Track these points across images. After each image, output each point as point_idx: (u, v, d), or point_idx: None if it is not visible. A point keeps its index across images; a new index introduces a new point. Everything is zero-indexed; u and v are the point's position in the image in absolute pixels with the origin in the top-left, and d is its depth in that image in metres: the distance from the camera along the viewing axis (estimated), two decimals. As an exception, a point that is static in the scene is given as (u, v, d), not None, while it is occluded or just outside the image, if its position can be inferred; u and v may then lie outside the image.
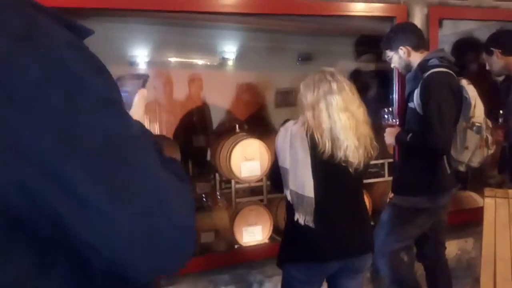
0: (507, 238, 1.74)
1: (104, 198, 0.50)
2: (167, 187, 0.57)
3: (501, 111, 2.58)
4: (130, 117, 0.59)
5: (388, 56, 2.32)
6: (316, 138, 1.64)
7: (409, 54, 2.23)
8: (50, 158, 0.48)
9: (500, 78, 2.74)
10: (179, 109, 3.26)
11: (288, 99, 3.25)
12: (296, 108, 1.80)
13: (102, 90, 0.53)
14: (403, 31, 2.26)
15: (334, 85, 1.67)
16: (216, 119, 3.18)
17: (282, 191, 1.83)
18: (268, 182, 2.74)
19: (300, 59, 3.55)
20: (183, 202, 0.59)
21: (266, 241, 2.74)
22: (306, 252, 1.72)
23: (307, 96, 1.69)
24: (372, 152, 1.74)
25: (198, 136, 3.19)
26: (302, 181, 1.68)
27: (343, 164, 1.66)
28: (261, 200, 2.86)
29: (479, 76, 2.30)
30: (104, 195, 0.50)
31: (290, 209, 1.75)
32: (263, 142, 2.70)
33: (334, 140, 1.64)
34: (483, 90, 2.15)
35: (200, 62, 3.13)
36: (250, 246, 2.68)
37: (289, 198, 1.73)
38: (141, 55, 3.22)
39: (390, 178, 3.02)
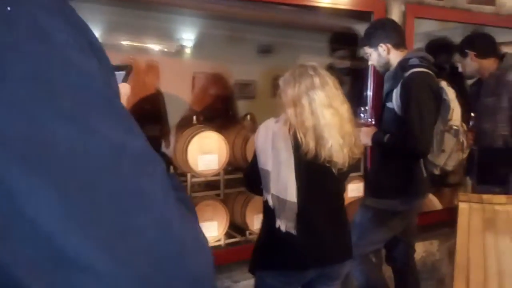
0: (480, 244, 1.76)
1: (97, 254, 0.35)
2: (184, 230, 0.41)
3: (472, 114, 2.60)
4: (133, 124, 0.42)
5: (367, 53, 2.26)
6: (299, 138, 1.54)
7: (388, 52, 2.18)
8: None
9: (470, 81, 2.81)
10: (131, 96, 3.06)
11: (248, 91, 3.16)
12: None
13: (94, 80, 0.39)
14: (384, 28, 2.20)
15: (317, 80, 1.57)
16: (172, 108, 3.01)
17: (259, 194, 1.72)
18: (226, 176, 2.64)
19: (260, 51, 3.47)
20: (200, 247, 0.43)
21: (222, 237, 2.65)
22: (285, 260, 1.62)
23: (287, 92, 1.59)
24: (356, 152, 1.67)
25: (151, 126, 3.01)
26: (284, 185, 1.57)
27: (327, 165, 1.58)
28: (218, 195, 2.76)
29: (450, 78, 2.32)
30: (96, 249, 0.35)
31: (269, 214, 1.64)
32: (222, 135, 2.59)
33: (318, 138, 1.55)
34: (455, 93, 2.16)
35: (156, 48, 2.94)
36: (216, 250, 2.56)
37: (270, 203, 1.62)
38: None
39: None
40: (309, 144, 1.54)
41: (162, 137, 2.85)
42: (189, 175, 2.60)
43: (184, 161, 2.51)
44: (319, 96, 1.56)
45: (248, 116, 2.93)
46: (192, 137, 2.52)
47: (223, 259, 2.43)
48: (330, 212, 1.69)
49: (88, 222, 0.35)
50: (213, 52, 3.11)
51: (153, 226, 0.38)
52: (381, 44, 2.18)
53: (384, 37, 2.17)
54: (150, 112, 3.00)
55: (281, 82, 1.66)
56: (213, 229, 2.64)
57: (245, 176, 1.95)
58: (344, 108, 1.63)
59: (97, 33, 2.98)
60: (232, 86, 3.24)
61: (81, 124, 0.36)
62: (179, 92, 3.05)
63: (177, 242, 0.40)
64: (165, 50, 2.97)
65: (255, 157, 1.68)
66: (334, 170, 1.61)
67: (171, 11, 2.83)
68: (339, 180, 1.69)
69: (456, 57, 2.66)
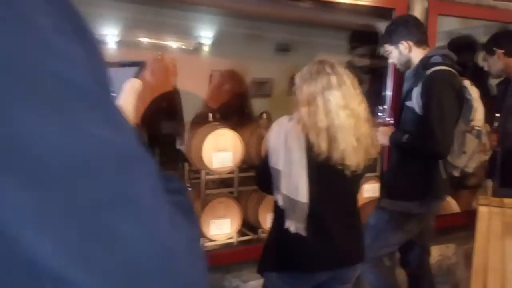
0: (499, 249, 1.71)
1: (70, 263, 0.31)
2: (173, 237, 0.37)
3: (496, 114, 2.53)
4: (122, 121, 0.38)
5: (387, 51, 2.20)
6: (311, 138, 1.51)
7: (410, 50, 2.11)
8: None
9: (496, 81, 2.73)
10: (148, 93, 3.09)
11: (264, 89, 3.15)
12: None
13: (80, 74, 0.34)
14: (406, 25, 2.14)
15: (334, 79, 1.52)
16: (188, 106, 3.03)
17: (270, 193, 1.69)
18: (240, 174, 2.64)
19: (278, 49, 3.45)
20: (192, 255, 0.39)
21: (235, 234, 2.66)
22: (295, 261, 1.60)
23: (303, 90, 1.55)
24: (373, 152, 1.63)
25: (167, 123, 3.03)
26: (295, 185, 1.54)
27: (339, 167, 1.54)
28: (231, 193, 2.76)
29: (473, 78, 2.25)
30: (70, 258, 0.31)
31: (279, 213, 1.62)
32: (237, 132, 2.60)
33: (331, 140, 1.50)
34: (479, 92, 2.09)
35: (174, 45, 2.97)
36: (225, 249, 2.57)
37: (280, 203, 1.59)
38: (110, 34, 3.02)
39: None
40: (321, 145, 1.50)
41: (177, 134, 2.87)
42: (203, 172, 2.62)
43: (199, 158, 2.53)
44: (335, 97, 1.51)
45: (264, 115, 2.92)
46: (207, 134, 2.53)
47: (234, 257, 2.42)
48: (343, 214, 1.66)
49: (62, 228, 0.31)
50: (231, 50, 3.12)
51: (136, 234, 0.34)
52: (403, 41, 2.11)
53: (406, 34, 2.11)
54: (166, 109, 3.02)
55: (297, 78, 1.61)
56: (226, 226, 2.65)
57: (256, 174, 1.94)
58: (361, 108, 1.58)
59: (116, 30, 3.04)
60: (249, 84, 3.24)
61: (59, 119, 0.32)
62: (196, 90, 3.06)
63: (164, 251, 0.35)
64: (183, 47, 2.99)
65: (267, 155, 1.66)
66: (347, 172, 1.57)
67: (189, 8, 2.85)
68: (353, 182, 1.65)
69: (483, 55, 2.57)
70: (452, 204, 2.99)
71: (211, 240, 2.61)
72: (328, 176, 1.57)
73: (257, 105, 3.29)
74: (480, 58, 3.20)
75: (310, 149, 1.53)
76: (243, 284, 2.26)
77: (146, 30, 2.95)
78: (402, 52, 2.14)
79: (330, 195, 1.62)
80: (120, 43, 3.03)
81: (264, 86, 3.23)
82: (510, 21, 2.89)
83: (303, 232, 1.55)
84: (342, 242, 1.64)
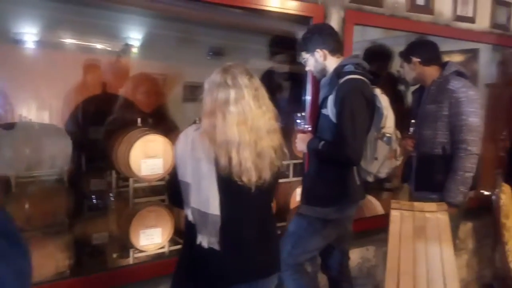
0: (411, 251, 1.79)
1: None
2: None
3: (412, 121, 2.63)
4: None
5: (304, 59, 2.24)
6: (213, 150, 1.46)
7: (325, 58, 2.16)
8: None
9: (413, 88, 2.84)
10: (73, 97, 2.92)
11: (197, 94, 3.10)
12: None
13: None
14: (320, 33, 2.18)
15: (233, 94, 1.46)
16: (117, 110, 2.90)
17: (181, 207, 1.60)
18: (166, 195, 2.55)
19: (211, 53, 3.41)
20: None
21: (166, 244, 2.58)
22: (208, 275, 1.54)
23: (206, 101, 1.50)
24: (279, 164, 1.60)
25: (94, 128, 2.88)
26: (206, 197, 1.47)
27: (239, 182, 1.48)
28: (162, 200, 2.68)
29: (386, 85, 2.34)
30: None
31: (189, 230, 1.55)
32: (168, 138, 2.52)
33: (229, 156, 1.45)
34: (391, 100, 2.17)
35: (99, 46, 2.82)
36: (141, 263, 2.46)
37: (190, 217, 1.52)
38: (29, 33, 2.81)
39: (295, 179, 3.05)
40: (223, 160, 1.45)
41: (105, 140, 2.73)
42: (131, 180, 2.51)
43: (127, 165, 2.42)
44: (231, 114, 1.45)
45: (197, 120, 2.87)
46: (136, 140, 2.43)
47: (166, 268, 2.34)
48: (256, 225, 1.60)
49: None
50: (162, 53, 3.03)
51: None
52: (318, 50, 2.16)
53: (321, 42, 2.16)
54: (93, 114, 2.87)
55: (205, 84, 1.53)
56: (157, 236, 2.56)
57: (167, 189, 1.83)
58: (265, 120, 1.52)
59: (35, 29, 2.83)
60: (182, 88, 3.17)
61: None
62: (125, 93, 2.94)
63: None
64: (109, 49, 2.85)
65: (175, 167, 1.57)
66: (249, 186, 1.49)
67: (116, 8, 2.73)
68: (263, 193, 1.56)
69: (400, 63, 2.68)
70: (376, 206, 3.13)
71: (141, 251, 2.52)
72: (233, 189, 1.49)
73: (191, 109, 3.23)
74: (394, 67, 3.39)
75: (216, 160, 1.47)
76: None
77: (69, 30, 2.78)
78: (318, 60, 2.19)
79: (241, 207, 1.56)
80: (40, 43, 2.83)
81: (197, 90, 3.16)
82: (421, 32, 3.07)
83: (216, 246, 1.49)
84: (256, 253, 1.59)
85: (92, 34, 2.74)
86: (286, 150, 1.64)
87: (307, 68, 2.28)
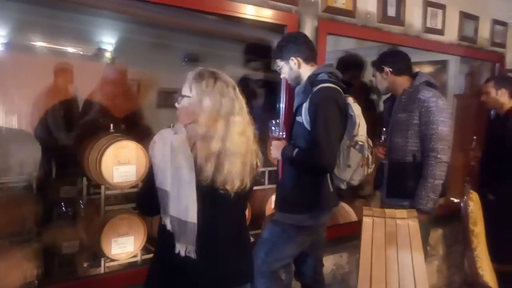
0: (382, 257, 1.81)
1: None
2: None
3: (384, 129, 2.67)
4: None
5: (279, 66, 2.26)
6: (199, 160, 1.42)
7: (299, 66, 2.19)
8: None
9: (384, 97, 2.90)
10: (43, 101, 2.84)
11: (171, 100, 3.07)
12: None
13: None
14: (295, 41, 2.21)
15: (237, 104, 1.47)
16: (88, 115, 2.84)
17: (151, 215, 1.57)
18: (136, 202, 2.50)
19: (186, 59, 3.40)
20: None
21: (138, 252, 2.53)
22: (183, 285, 1.51)
23: (204, 104, 1.43)
24: (258, 168, 1.60)
25: (64, 133, 2.81)
26: (185, 205, 1.42)
27: (221, 190, 1.47)
28: (135, 208, 2.62)
29: (359, 94, 2.38)
30: None
31: (164, 239, 1.50)
32: (141, 144, 2.48)
33: (218, 165, 1.43)
34: (363, 108, 2.21)
35: (71, 50, 2.76)
36: (112, 272, 2.41)
37: (169, 226, 1.46)
38: (-4, 34, 2.72)
39: (270, 186, 3.05)
40: (208, 169, 1.42)
41: (76, 146, 2.66)
42: (103, 187, 2.46)
43: (98, 172, 2.36)
44: (235, 124, 1.45)
45: (172, 125, 2.84)
46: (108, 146, 2.38)
47: (139, 277, 2.29)
48: (231, 232, 1.59)
49: None
50: (136, 58, 2.99)
51: None
52: (292, 58, 2.18)
53: (296, 50, 2.19)
54: (63, 118, 2.80)
55: (194, 89, 1.46)
56: (129, 244, 2.50)
57: (137, 196, 1.72)
58: (250, 131, 1.54)
59: (6, 31, 2.75)
60: (156, 94, 3.14)
61: None
62: (96, 98, 2.88)
63: None
64: (81, 53, 2.80)
65: (150, 173, 1.49)
66: (230, 193, 1.48)
67: (89, 12, 2.68)
68: (240, 200, 1.56)
69: (373, 72, 2.74)
70: (350, 213, 3.16)
71: (113, 260, 2.46)
72: (211, 196, 1.47)
73: (165, 116, 3.19)
74: (367, 76, 3.47)
75: (197, 168, 1.43)
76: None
77: (40, 33, 2.70)
78: (292, 68, 2.21)
79: (218, 214, 1.54)
80: (9, 46, 2.74)
81: (172, 97, 3.14)
82: (392, 43, 3.16)
83: (193, 255, 1.46)
84: (231, 261, 1.58)
85: (64, 37, 2.68)
86: (261, 155, 1.63)
87: (282, 76, 2.30)
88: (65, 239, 2.53)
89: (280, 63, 2.25)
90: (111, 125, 2.63)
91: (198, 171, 1.43)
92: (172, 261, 1.49)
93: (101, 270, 2.44)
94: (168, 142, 1.43)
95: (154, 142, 1.47)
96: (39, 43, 2.77)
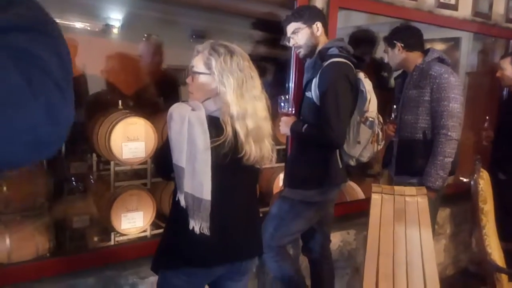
0: (390, 234, 1.81)
1: None
2: None
3: (394, 106, 2.64)
4: None
5: (295, 30, 2.15)
6: (222, 124, 1.45)
7: (321, 34, 2.14)
8: None
9: (396, 74, 2.85)
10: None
11: (179, 77, 3.05)
12: (187, 88, 1.59)
13: None
14: (315, 8, 2.16)
15: (255, 78, 1.55)
16: (97, 91, 2.83)
17: (170, 180, 1.61)
18: (153, 165, 2.53)
19: (194, 36, 3.35)
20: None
21: (148, 228, 2.56)
22: (191, 258, 1.53)
23: (229, 81, 1.47)
24: (272, 147, 1.63)
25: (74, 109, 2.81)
26: (200, 182, 1.44)
27: (240, 162, 1.51)
28: (145, 184, 2.65)
29: (370, 70, 2.34)
30: None
31: (178, 214, 1.51)
32: (150, 121, 2.48)
33: (240, 134, 1.48)
34: (374, 85, 2.17)
35: (78, 25, 2.74)
36: (122, 244, 2.44)
37: (182, 203, 1.48)
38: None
39: (277, 165, 3.05)
40: (228, 139, 1.45)
41: (85, 122, 2.67)
42: (112, 163, 2.48)
43: (107, 148, 2.38)
44: (253, 87, 1.52)
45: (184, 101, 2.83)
46: (117, 122, 2.39)
47: (149, 249, 2.33)
48: (242, 207, 1.62)
49: None
50: (143, 34, 2.96)
51: None
52: (317, 22, 2.13)
53: (321, 17, 2.14)
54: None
55: (213, 62, 1.48)
56: (139, 220, 2.54)
57: (155, 163, 1.81)
58: (268, 104, 1.61)
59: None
60: (164, 71, 3.11)
61: None
62: (104, 75, 2.87)
63: None
64: (89, 29, 2.77)
65: (166, 145, 1.51)
66: (247, 163, 1.53)
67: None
68: (252, 173, 1.61)
69: (384, 47, 2.69)
70: (358, 192, 3.16)
71: (123, 235, 2.49)
72: (230, 168, 1.51)
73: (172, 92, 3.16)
74: (378, 53, 3.40)
75: (215, 141, 1.45)
76: (140, 280, 2.16)
77: (46, 8, 2.67)
78: (314, 34, 2.14)
79: (231, 188, 1.57)
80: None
81: (180, 74, 3.12)
82: (404, 18, 3.08)
83: (206, 231, 1.48)
84: (241, 235, 1.61)
85: (71, 12, 2.66)
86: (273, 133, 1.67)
87: (292, 43, 2.20)
88: (76, 213, 2.57)
89: (300, 26, 2.14)
90: (120, 101, 2.63)
91: (218, 137, 1.44)
92: (185, 236, 1.51)
93: (111, 243, 2.48)
94: (185, 118, 1.42)
95: (171, 116, 1.46)
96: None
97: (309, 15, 2.14)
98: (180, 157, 1.44)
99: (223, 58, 1.49)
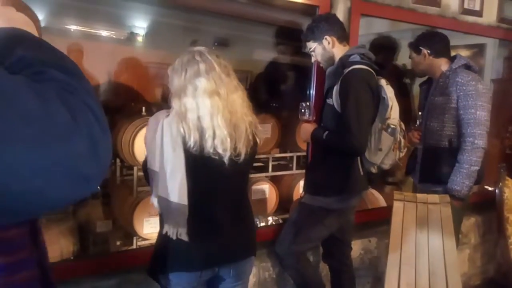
0: (413, 242, 1.78)
1: None
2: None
3: (419, 113, 2.61)
4: None
5: (310, 48, 2.21)
6: (183, 130, 1.42)
7: (333, 45, 2.14)
8: None
9: (420, 81, 2.81)
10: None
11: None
12: None
13: None
14: (327, 21, 2.16)
15: (203, 66, 1.46)
16: (121, 98, 2.90)
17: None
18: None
19: (216, 43, 3.40)
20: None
21: (169, 233, 2.58)
22: (182, 262, 1.52)
23: (174, 82, 1.48)
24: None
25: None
26: (172, 186, 1.43)
27: (214, 157, 1.46)
28: (166, 189, 2.68)
29: (391, 77, 2.32)
30: None
31: (160, 219, 1.53)
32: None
33: (201, 129, 1.44)
34: (395, 91, 2.16)
35: (104, 34, 2.81)
36: (144, 248, 2.47)
37: (156, 206, 1.49)
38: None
39: (298, 172, 3.05)
40: (192, 136, 1.42)
41: (109, 128, 2.72)
42: (135, 168, 2.52)
43: (131, 153, 2.42)
44: (202, 83, 1.44)
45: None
46: (140, 129, 2.44)
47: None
48: (228, 208, 1.57)
49: None
50: (167, 42, 3.02)
51: None
52: (326, 37, 2.14)
53: (329, 29, 2.14)
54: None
55: (169, 71, 1.52)
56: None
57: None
58: (237, 95, 1.52)
59: (41, 16, 2.82)
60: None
61: None
62: (128, 82, 2.93)
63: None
64: (114, 37, 2.84)
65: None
66: (225, 161, 1.47)
67: (122, -4, 2.71)
68: (236, 173, 1.54)
69: (410, 53, 2.67)
70: (379, 200, 3.12)
71: (145, 239, 2.53)
72: (206, 170, 1.47)
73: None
74: (400, 60, 3.37)
75: (185, 143, 1.44)
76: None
77: (74, 17, 2.76)
78: (326, 48, 2.16)
79: (212, 190, 1.53)
80: (44, 30, 2.81)
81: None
82: (428, 24, 3.04)
83: (185, 237, 1.45)
84: (229, 237, 1.57)
85: (97, 21, 2.73)
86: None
87: (313, 59, 2.26)
88: (99, 218, 2.62)
89: (312, 45, 2.20)
90: (143, 108, 2.68)
91: (186, 143, 1.43)
92: (168, 241, 1.49)
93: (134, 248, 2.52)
94: (159, 123, 1.45)
95: (148, 124, 1.50)
96: (73, 27, 2.82)
97: (316, 32, 2.16)
98: (153, 161, 1.47)
99: (179, 59, 1.52)
